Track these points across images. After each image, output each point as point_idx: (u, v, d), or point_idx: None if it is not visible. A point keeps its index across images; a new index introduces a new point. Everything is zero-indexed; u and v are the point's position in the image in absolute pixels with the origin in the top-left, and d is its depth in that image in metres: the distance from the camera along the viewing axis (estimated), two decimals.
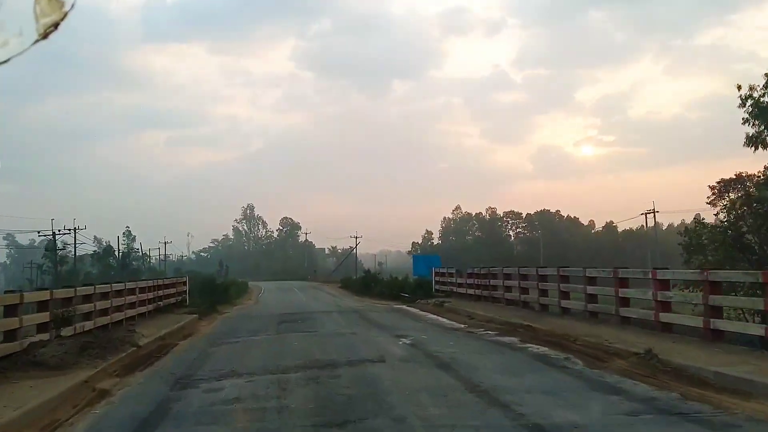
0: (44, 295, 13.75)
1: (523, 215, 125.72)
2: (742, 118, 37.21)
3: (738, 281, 14.82)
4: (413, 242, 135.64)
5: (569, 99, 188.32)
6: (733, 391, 8.06)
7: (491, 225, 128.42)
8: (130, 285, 20.38)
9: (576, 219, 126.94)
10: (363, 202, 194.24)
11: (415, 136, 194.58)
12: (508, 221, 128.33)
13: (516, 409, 7.36)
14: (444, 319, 20.18)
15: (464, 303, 24.46)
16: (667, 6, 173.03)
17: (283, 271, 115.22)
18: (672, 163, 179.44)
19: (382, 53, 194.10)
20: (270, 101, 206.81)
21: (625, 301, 15.09)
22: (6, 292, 15.54)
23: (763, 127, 36.90)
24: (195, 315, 23.46)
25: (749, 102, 36.23)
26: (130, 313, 19.76)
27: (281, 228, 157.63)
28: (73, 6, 1.83)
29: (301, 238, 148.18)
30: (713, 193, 46.95)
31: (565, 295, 18.54)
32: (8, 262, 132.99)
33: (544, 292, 20.11)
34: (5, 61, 1.84)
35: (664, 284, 13.75)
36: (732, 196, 45.65)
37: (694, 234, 42.63)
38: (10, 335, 11.50)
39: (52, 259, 71.75)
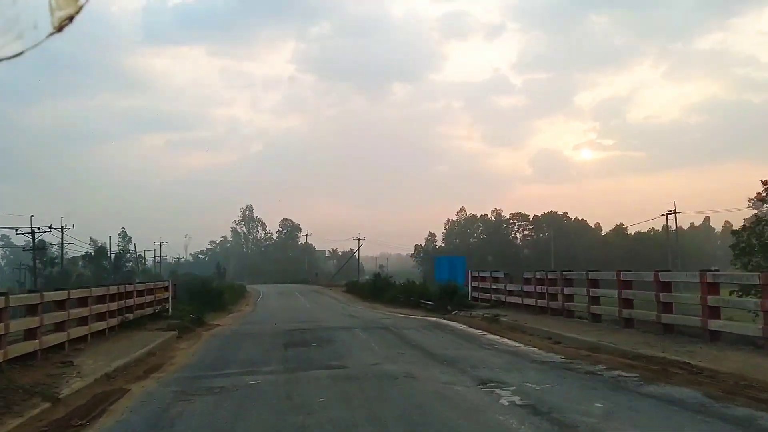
0: None
1: (530, 217, 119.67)
2: None
3: None
4: (416, 245, 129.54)
5: (568, 103, 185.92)
6: None
7: (497, 227, 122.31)
8: (77, 293, 14.46)
9: (584, 221, 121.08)
10: (363, 204, 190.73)
11: (415, 139, 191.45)
12: (514, 223, 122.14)
13: None
14: (517, 344, 14.18)
15: (524, 316, 18.54)
16: (667, 10, 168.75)
17: (283, 273, 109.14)
18: (671, 167, 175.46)
19: (382, 56, 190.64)
20: (270, 104, 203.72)
21: None
22: None
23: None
24: (174, 332, 17.54)
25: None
26: (78, 332, 13.86)
27: (281, 230, 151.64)
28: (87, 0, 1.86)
29: (301, 240, 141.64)
30: (765, 189, 41.71)
31: (666, 307, 13.08)
32: (2, 264, 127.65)
33: (628, 303, 14.66)
34: (20, 54, 1.85)
35: None
36: None
37: (753, 234, 37.28)
38: None
39: (41, 260, 66.18)
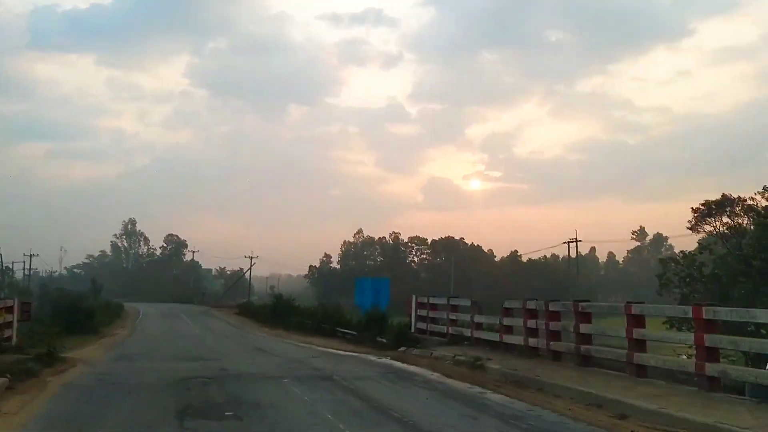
0: None
1: (429, 241, 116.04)
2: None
3: None
4: (310, 265, 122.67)
5: (460, 134, 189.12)
6: None
7: (395, 250, 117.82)
8: None
9: (479, 247, 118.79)
10: (253, 223, 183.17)
11: (310, 161, 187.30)
12: (413, 247, 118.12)
13: None
14: (556, 416, 8.81)
15: (513, 362, 13.20)
16: (552, 53, 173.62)
17: (166, 292, 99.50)
18: (551, 201, 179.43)
19: (279, 77, 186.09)
20: (159, 117, 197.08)
21: None
22: None
23: None
24: (4, 378, 11.08)
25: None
26: None
27: (165, 245, 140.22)
28: None
29: (187, 257, 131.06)
30: (695, 217, 39.19)
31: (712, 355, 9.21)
32: None
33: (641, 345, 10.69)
34: None
35: None
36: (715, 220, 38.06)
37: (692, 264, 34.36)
38: None
39: None
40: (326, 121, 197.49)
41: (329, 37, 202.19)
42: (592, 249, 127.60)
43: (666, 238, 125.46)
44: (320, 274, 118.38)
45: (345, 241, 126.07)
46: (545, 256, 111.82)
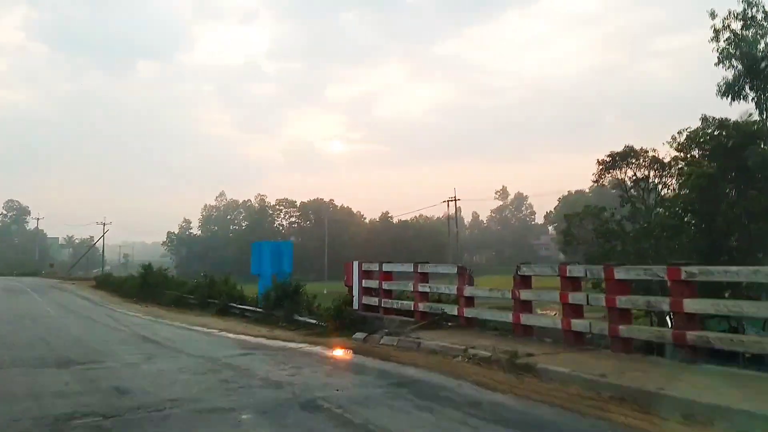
0: None
1: (298, 204, 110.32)
2: (717, 57, 26.13)
3: None
4: (169, 232, 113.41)
5: (320, 95, 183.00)
6: None
7: (261, 213, 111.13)
8: None
9: (349, 209, 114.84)
10: (104, 188, 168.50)
11: (163, 122, 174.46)
12: (280, 210, 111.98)
13: None
14: None
15: (562, 356, 8.86)
16: (411, 15, 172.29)
17: (8, 264, 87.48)
18: (415, 162, 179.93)
19: (125, 30, 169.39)
20: None
21: None
22: None
23: (740, 68, 26.06)
24: None
25: (725, 37, 26.11)
26: None
27: (5, 212, 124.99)
28: None
29: (31, 226, 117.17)
30: (600, 169, 37.29)
31: None
32: None
33: None
34: None
35: None
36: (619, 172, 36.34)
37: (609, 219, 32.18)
38: None
39: None
40: (179, 80, 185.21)
41: None
42: (459, 209, 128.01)
43: (526, 197, 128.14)
44: (179, 240, 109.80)
45: (206, 205, 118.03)
46: (416, 216, 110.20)
